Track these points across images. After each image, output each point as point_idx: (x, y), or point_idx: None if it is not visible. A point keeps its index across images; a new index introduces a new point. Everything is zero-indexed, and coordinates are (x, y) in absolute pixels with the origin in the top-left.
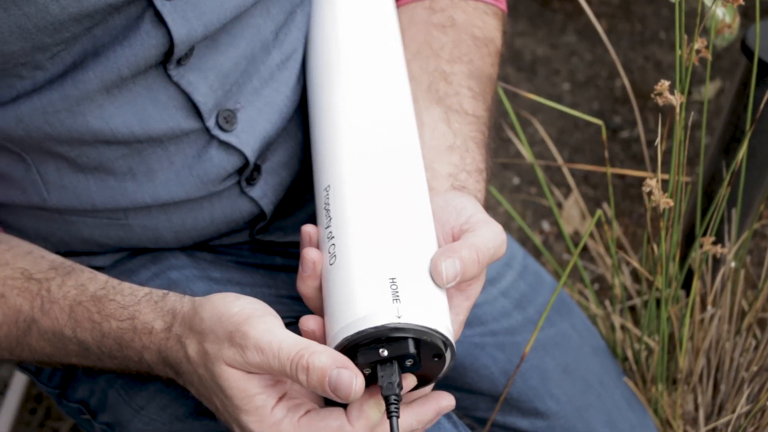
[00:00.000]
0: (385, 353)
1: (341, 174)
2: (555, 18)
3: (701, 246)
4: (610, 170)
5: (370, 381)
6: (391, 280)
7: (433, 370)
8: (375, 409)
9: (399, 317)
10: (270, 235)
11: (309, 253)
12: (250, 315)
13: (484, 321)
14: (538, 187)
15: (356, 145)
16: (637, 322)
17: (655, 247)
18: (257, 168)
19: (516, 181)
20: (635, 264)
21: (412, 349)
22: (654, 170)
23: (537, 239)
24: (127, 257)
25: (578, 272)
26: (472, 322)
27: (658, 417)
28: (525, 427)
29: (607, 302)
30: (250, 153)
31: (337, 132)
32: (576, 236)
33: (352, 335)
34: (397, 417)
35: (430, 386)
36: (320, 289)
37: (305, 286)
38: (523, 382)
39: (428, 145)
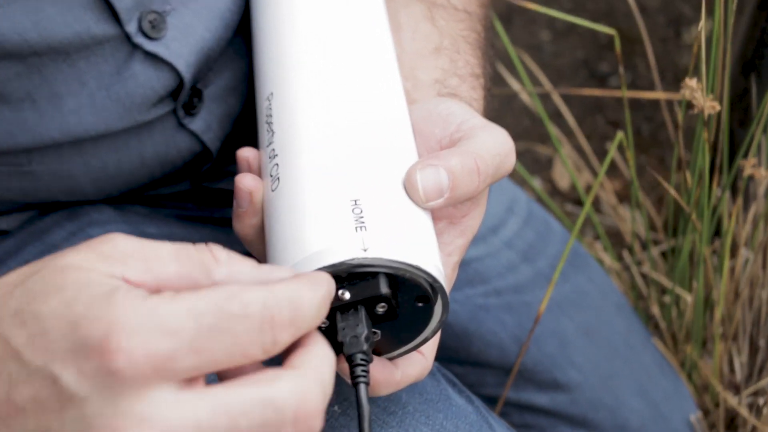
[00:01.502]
0: (347, 296)
1: (287, 76)
2: None
3: (736, 174)
4: (626, 93)
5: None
6: (353, 203)
7: (418, 324)
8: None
9: (365, 250)
10: (220, 182)
11: (243, 181)
12: None
13: (487, 277)
14: (526, 141)
15: (306, 42)
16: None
17: (687, 175)
18: (197, 93)
19: None
20: (669, 189)
21: (384, 289)
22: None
23: (537, 187)
24: (36, 217)
25: (586, 224)
26: (473, 279)
27: (692, 383)
28: (544, 403)
29: (624, 253)
30: (185, 68)
31: (283, 27)
32: (573, 191)
33: None
34: (366, 384)
35: (428, 355)
36: (263, 228)
37: (242, 225)
38: (538, 349)
39: (408, 50)
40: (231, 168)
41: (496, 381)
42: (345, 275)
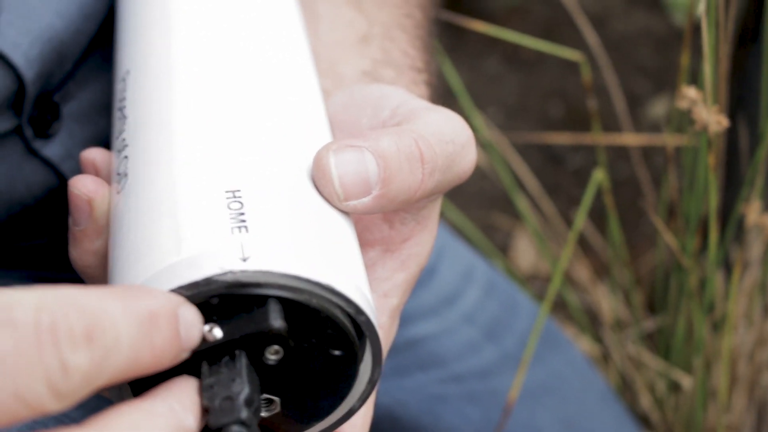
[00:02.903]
0: (218, 334)
1: (149, 49)
2: (475, 46)
3: (737, 221)
4: (600, 138)
5: None
6: (229, 194)
7: (336, 386)
8: None
9: (244, 260)
10: None
11: (78, 185)
12: None
13: (444, 360)
14: (486, 209)
15: (177, 12)
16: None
17: (669, 236)
18: (53, 108)
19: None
20: (669, 240)
21: (276, 321)
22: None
23: (499, 260)
24: None
25: (556, 304)
26: (426, 362)
27: None
28: None
29: (604, 335)
30: (24, 63)
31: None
32: (534, 279)
33: None
34: None
35: None
36: (106, 254)
37: (80, 252)
38: None
39: (326, 41)
40: None
41: None
42: (216, 302)
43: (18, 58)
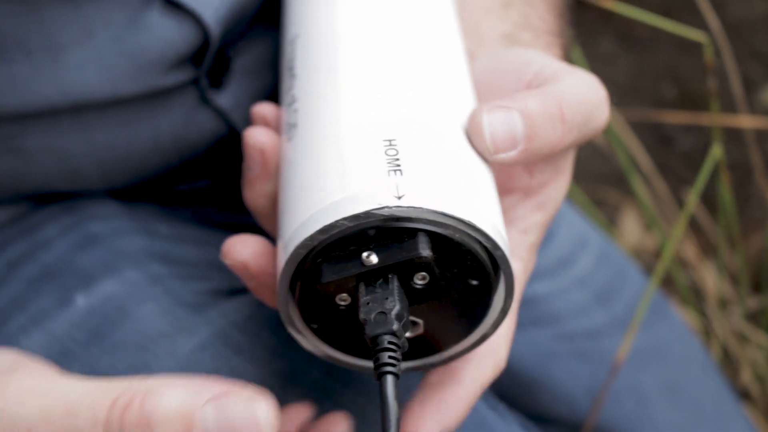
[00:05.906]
0: (374, 260)
1: (316, 17)
2: (589, 25)
3: None
4: (718, 119)
5: (346, 333)
6: (386, 142)
7: (471, 313)
8: None
9: (399, 197)
10: None
11: (252, 136)
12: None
13: (557, 318)
14: (595, 183)
15: None
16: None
17: None
18: (225, 62)
19: None
20: None
21: (424, 250)
22: None
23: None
24: (31, 210)
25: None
26: (539, 319)
27: None
28: None
29: (708, 310)
30: (213, 21)
31: None
32: (638, 256)
33: (313, 236)
34: (395, 375)
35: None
36: (275, 196)
37: (254, 194)
38: (614, 406)
39: (471, 6)
40: None
41: None
42: (373, 233)
43: (209, 17)
